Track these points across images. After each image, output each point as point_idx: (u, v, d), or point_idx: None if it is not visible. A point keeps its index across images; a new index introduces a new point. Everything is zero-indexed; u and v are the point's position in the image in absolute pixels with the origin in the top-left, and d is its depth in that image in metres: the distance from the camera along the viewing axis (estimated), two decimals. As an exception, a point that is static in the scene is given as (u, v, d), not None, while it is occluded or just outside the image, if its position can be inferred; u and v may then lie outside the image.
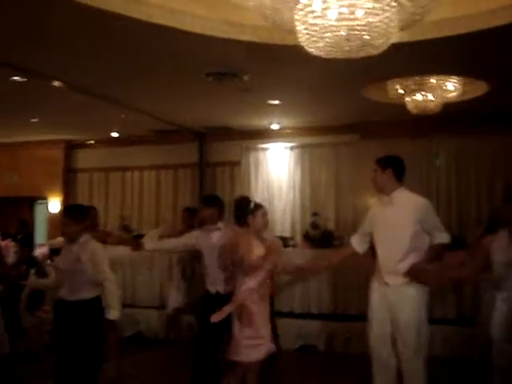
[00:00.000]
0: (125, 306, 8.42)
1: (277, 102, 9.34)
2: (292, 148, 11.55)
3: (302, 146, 11.47)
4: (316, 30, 4.05)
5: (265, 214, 5.66)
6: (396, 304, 5.06)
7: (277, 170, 11.63)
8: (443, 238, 5.16)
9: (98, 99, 9.00)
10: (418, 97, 8.27)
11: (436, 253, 5.14)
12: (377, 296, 5.23)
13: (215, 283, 5.97)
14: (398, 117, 9.55)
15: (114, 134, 12.24)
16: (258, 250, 5.45)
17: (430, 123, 9.84)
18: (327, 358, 8.05)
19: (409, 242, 5.07)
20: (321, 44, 4.11)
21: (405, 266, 5.04)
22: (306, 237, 9.89)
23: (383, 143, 10.57)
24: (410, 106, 8.44)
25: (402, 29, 4.46)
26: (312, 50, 4.25)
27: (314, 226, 9.73)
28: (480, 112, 9.46)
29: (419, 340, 5.01)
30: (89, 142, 13.15)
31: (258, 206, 5.65)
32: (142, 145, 12.53)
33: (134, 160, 12.68)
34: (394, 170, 5.28)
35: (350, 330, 8.15)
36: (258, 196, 11.40)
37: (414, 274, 4.97)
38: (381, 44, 4.19)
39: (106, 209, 12.71)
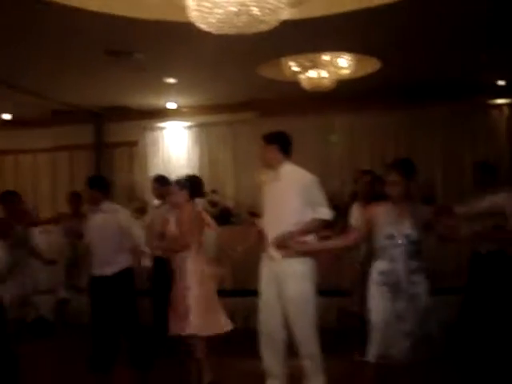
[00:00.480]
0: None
1: (173, 80, 9.28)
2: (190, 127, 11.52)
3: (199, 125, 11.45)
4: (207, 6, 4.06)
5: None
6: (282, 277, 5.13)
7: (175, 149, 11.57)
8: (323, 213, 5.15)
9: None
10: (312, 74, 8.41)
11: (312, 227, 5.16)
12: (265, 270, 5.29)
13: (100, 265, 5.96)
14: (293, 94, 9.66)
15: (7, 116, 11.85)
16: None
17: (325, 100, 10.00)
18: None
19: (292, 216, 5.11)
20: (212, 20, 4.13)
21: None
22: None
23: (280, 120, 10.64)
24: (304, 83, 8.57)
25: (292, 6, 4.53)
26: (203, 26, 4.27)
27: (213, 203, 9.75)
28: (373, 88, 9.70)
29: (308, 312, 5.10)
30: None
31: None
32: (36, 127, 12.12)
33: (29, 142, 12.30)
34: (280, 145, 5.33)
35: (250, 306, 8.22)
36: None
37: (277, 243, 5.05)
38: (271, 20, 4.24)
39: (0, 193, 12.32)
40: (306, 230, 5.12)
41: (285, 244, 4.97)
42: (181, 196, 5.70)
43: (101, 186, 6.18)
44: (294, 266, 5.10)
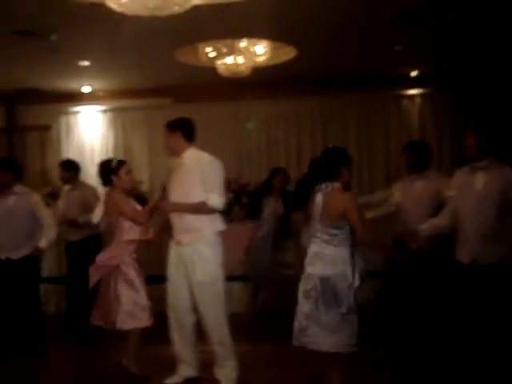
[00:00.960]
0: None
1: (87, 63, 9.09)
2: (104, 111, 11.32)
3: (114, 110, 11.26)
4: (118, -14, 4.00)
5: (129, 171, 5.67)
6: (189, 262, 5.12)
7: (89, 133, 11.34)
8: (212, 199, 5.16)
9: None
10: (229, 60, 8.40)
11: (198, 209, 5.19)
12: (172, 255, 5.28)
13: (8, 249, 5.86)
14: (210, 80, 9.61)
15: None
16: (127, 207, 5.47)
17: (242, 87, 10.02)
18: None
19: (194, 200, 5.15)
20: (123, 0, 4.06)
21: (194, 222, 5.12)
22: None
23: (196, 107, 10.63)
24: (220, 69, 8.55)
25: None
26: (114, 6, 4.19)
27: (126, 188, 9.62)
28: (289, 76, 9.77)
29: (217, 297, 5.11)
30: None
31: (121, 163, 5.65)
32: None
33: None
34: (183, 131, 5.37)
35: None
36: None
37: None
38: (184, 3, 4.21)
39: None
40: (190, 208, 5.14)
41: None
42: None
43: (13, 169, 6.05)
44: (201, 250, 5.10)
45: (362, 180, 10.39)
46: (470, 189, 5.05)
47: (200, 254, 5.07)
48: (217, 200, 5.15)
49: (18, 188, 6.00)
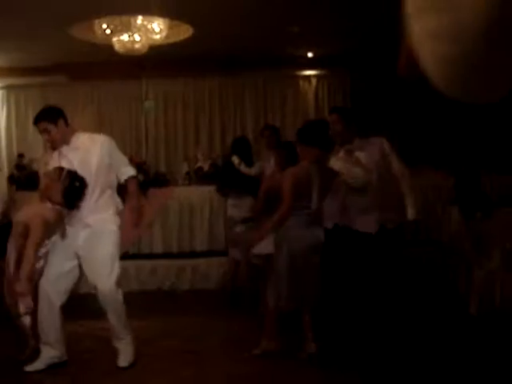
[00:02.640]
0: None
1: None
2: (-3, 89, 11.01)
3: (7, 87, 10.97)
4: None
5: None
6: (91, 241, 5.07)
7: (-19, 111, 11.03)
8: (131, 171, 5.24)
9: None
10: (125, 37, 8.32)
11: (135, 186, 5.27)
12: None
13: None
14: (107, 58, 9.49)
15: None
16: None
17: (139, 65, 9.96)
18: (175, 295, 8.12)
19: (99, 181, 5.05)
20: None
21: (103, 203, 5.08)
22: (12, 179, 9.59)
23: (93, 85, 10.54)
24: (117, 46, 8.46)
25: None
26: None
27: (20, 167, 9.44)
28: (186, 55, 9.75)
29: (115, 274, 5.09)
30: None
31: None
32: None
33: None
34: (63, 118, 5.09)
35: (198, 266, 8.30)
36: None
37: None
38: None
39: None
40: (137, 191, 5.28)
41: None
42: None
43: None
44: (107, 228, 5.08)
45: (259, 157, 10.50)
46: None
47: (103, 232, 5.03)
48: (132, 169, 5.24)
49: None
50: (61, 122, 5.03)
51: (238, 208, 7.31)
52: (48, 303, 5.03)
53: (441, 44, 1.32)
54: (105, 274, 5.03)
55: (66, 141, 5.06)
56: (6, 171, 9.42)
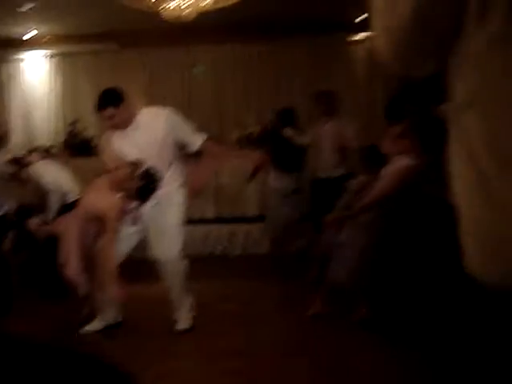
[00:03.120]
0: None
1: (31, 5, 8.90)
2: (51, 57, 11.13)
3: (61, 55, 11.08)
4: None
5: None
6: (158, 211, 5.12)
7: (35, 79, 11.17)
8: (201, 136, 5.22)
9: None
10: (172, 4, 8.31)
11: (213, 144, 5.38)
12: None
13: None
14: (155, 25, 9.51)
15: None
16: None
17: (187, 32, 9.93)
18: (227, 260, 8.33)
19: (165, 156, 5.11)
20: None
21: (169, 177, 5.11)
22: (66, 145, 9.78)
23: (142, 52, 10.60)
24: (164, 14, 8.47)
25: None
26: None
27: (73, 134, 9.57)
28: (235, 20, 9.71)
29: (179, 244, 5.16)
30: None
31: None
32: None
33: None
34: (126, 99, 5.04)
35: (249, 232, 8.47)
36: (16, 108, 11.00)
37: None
38: None
39: None
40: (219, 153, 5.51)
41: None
42: None
43: None
44: (175, 195, 5.16)
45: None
46: None
47: (171, 199, 5.11)
48: (202, 135, 5.25)
49: None
50: (125, 104, 4.98)
51: (284, 179, 7.37)
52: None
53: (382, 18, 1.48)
54: (169, 245, 5.13)
55: (129, 121, 5.03)
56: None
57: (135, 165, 4.95)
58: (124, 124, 5.01)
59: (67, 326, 5.36)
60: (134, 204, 4.99)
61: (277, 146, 7.44)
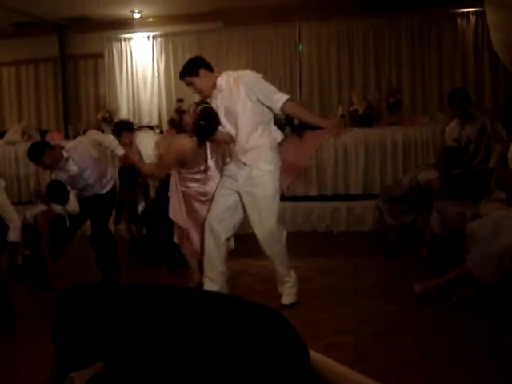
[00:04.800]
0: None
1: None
2: (155, 37, 11.31)
3: (165, 35, 11.25)
4: None
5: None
6: (250, 181, 5.10)
7: (141, 59, 11.38)
8: (283, 96, 5.07)
9: None
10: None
11: (294, 106, 5.21)
12: (228, 174, 5.29)
13: None
14: (259, 2, 9.56)
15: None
16: None
17: (292, 8, 9.91)
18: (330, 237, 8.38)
19: (248, 120, 5.07)
20: None
21: (255, 141, 5.12)
22: (172, 123, 9.96)
23: (247, 29, 10.63)
24: (270, -10, 8.48)
25: None
26: None
27: (179, 112, 9.72)
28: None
29: (275, 214, 5.15)
30: None
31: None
32: (-1, 40, 11.91)
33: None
34: (205, 67, 5.17)
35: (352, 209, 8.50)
36: (123, 87, 11.27)
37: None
38: None
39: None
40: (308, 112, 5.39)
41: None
42: None
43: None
44: (261, 167, 5.13)
45: (416, 100, 10.28)
46: None
47: (262, 170, 5.09)
48: (283, 95, 5.09)
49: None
50: (202, 71, 5.12)
51: None
52: (214, 238, 5.23)
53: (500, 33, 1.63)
54: (264, 216, 5.12)
55: (212, 86, 5.13)
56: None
57: (195, 104, 5.25)
58: (206, 90, 5.17)
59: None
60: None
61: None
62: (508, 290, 4.89)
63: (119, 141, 6.72)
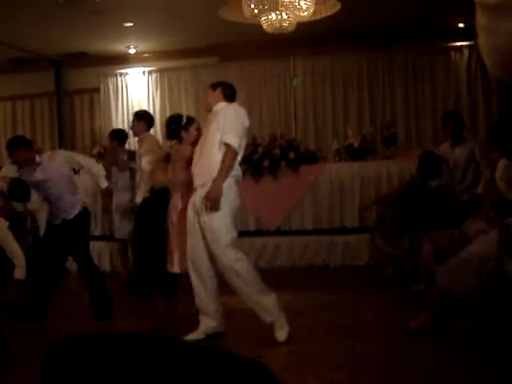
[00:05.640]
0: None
1: (131, 24, 9.19)
2: (151, 72, 11.42)
3: (161, 70, 11.36)
4: None
5: (199, 128, 5.86)
6: (200, 207, 5.05)
7: (136, 94, 11.48)
8: (226, 138, 4.97)
9: None
10: (273, 16, 8.35)
11: (228, 157, 5.01)
12: (190, 203, 5.22)
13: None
14: (255, 37, 9.61)
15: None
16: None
17: (287, 43, 9.98)
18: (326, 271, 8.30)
19: (211, 150, 5.06)
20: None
21: (207, 163, 5.08)
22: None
23: (242, 64, 10.72)
24: (265, 26, 8.51)
25: None
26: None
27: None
28: (333, 30, 9.70)
29: (228, 244, 5.02)
30: None
31: (191, 120, 5.87)
32: (-6, 75, 11.97)
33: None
34: (223, 88, 5.35)
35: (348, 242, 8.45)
36: (118, 122, 11.33)
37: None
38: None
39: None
40: (223, 168, 4.98)
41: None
42: None
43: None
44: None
45: (410, 133, 10.34)
46: None
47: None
48: (231, 138, 4.95)
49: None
50: (218, 90, 5.33)
51: None
52: (197, 275, 5.21)
53: (488, 36, 1.56)
54: (219, 245, 5.04)
55: (212, 107, 5.31)
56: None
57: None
58: (207, 106, 5.47)
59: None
60: None
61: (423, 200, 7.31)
62: (499, 315, 4.88)
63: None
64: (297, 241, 8.44)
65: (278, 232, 8.49)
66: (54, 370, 1.77)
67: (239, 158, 5.15)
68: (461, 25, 10.01)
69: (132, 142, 9.18)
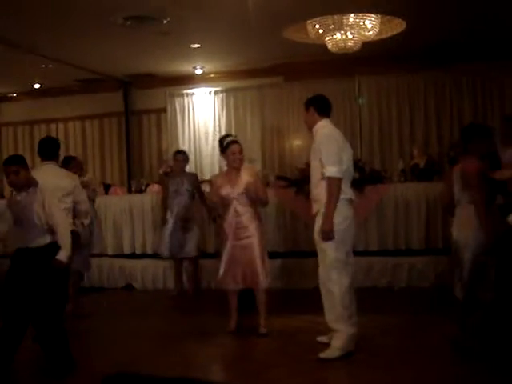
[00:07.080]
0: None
1: (198, 45, 9.31)
2: (217, 92, 11.56)
3: (226, 90, 11.49)
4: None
5: (236, 152, 6.02)
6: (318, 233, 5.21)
7: (203, 114, 11.63)
8: (327, 171, 5.08)
9: (16, 49, 8.81)
10: (338, 36, 8.36)
11: (331, 187, 5.09)
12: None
13: None
14: (319, 57, 9.65)
15: (37, 86, 11.93)
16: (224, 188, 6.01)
17: (351, 62, 9.98)
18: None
19: (316, 175, 5.26)
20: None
21: (318, 192, 5.20)
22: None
23: (306, 84, 10.70)
24: (329, 45, 8.52)
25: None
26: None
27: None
28: (399, 49, 9.63)
29: (326, 265, 5.28)
30: (10, 95, 12.83)
31: (229, 144, 5.93)
32: (65, 95, 12.25)
33: (59, 111, 12.44)
34: (316, 107, 5.44)
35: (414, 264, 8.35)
36: (185, 141, 11.48)
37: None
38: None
39: (32, 163, 12.45)
40: (330, 201, 5.09)
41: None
42: None
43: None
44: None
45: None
46: None
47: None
48: (330, 169, 5.05)
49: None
50: (311, 110, 5.43)
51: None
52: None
53: None
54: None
55: (310, 127, 5.46)
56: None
57: None
58: (307, 125, 5.54)
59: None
60: None
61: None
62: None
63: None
64: (361, 262, 8.34)
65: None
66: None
67: (348, 178, 5.33)
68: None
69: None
